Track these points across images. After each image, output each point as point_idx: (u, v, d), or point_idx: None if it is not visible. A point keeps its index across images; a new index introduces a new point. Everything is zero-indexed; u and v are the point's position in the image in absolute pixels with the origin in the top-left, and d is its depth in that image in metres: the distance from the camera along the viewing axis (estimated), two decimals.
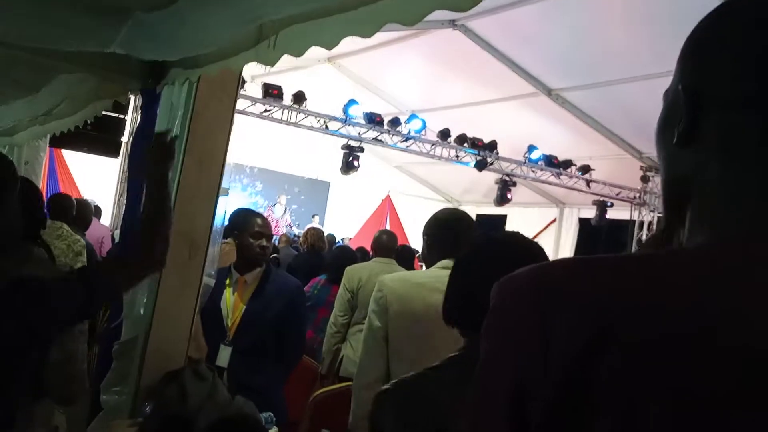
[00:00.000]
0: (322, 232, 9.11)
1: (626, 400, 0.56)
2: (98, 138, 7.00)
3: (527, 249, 1.62)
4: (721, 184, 0.67)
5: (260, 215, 3.40)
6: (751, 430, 0.54)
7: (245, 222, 3.21)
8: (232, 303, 3.12)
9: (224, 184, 2.54)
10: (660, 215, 10.88)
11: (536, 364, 0.60)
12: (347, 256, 5.73)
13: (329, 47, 1.68)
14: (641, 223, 11.17)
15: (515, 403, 0.60)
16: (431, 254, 2.59)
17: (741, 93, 0.66)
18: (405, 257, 5.89)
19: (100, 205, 9.33)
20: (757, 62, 0.65)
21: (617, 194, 11.30)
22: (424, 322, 2.36)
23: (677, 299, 0.59)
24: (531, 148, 10.55)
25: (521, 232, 1.78)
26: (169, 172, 2.09)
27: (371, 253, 5.29)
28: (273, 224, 14.39)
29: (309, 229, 8.79)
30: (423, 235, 2.65)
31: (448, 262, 2.40)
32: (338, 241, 13.22)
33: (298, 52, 1.79)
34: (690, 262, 0.64)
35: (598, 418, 0.57)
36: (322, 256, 7.69)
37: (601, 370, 0.57)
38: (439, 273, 2.41)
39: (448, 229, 2.57)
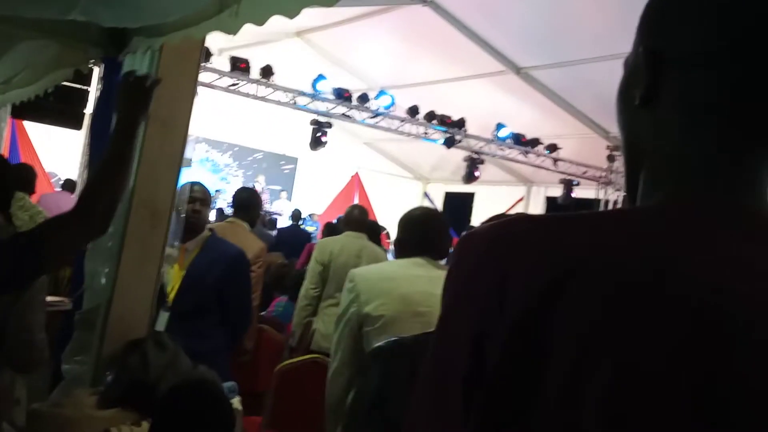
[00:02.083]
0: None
1: (577, 347, 0.58)
2: (61, 109, 6.87)
3: None
4: (679, 145, 0.69)
5: (198, 183, 3.45)
6: (691, 381, 0.56)
7: (181, 190, 3.26)
8: (172, 270, 3.13)
9: (188, 155, 2.54)
10: (626, 195, 11.03)
11: (493, 309, 0.61)
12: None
13: (291, 16, 1.68)
14: (606, 202, 11.31)
15: (473, 345, 0.62)
16: (401, 250, 2.65)
17: (701, 51, 0.67)
18: (372, 232, 5.91)
19: (73, 179, 9.10)
20: (718, 19, 0.66)
21: (583, 173, 11.42)
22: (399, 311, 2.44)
23: (627, 253, 0.61)
24: (499, 126, 10.58)
25: (489, 210, 1.81)
26: (140, 122, 1.95)
27: (342, 226, 5.30)
28: None
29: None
30: (397, 230, 2.73)
31: (419, 260, 2.53)
32: (305, 218, 13.18)
33: (261, 21, 1.79)
34: (642, 220, 0.66)
35: (550, 363, 0.58)
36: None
37: (554, 319, 0.59)
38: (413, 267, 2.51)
39: (419, 229, 2.62)
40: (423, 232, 2.60)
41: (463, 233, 0.70)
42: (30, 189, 4.87)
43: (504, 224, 0.67)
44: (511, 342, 0.60)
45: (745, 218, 0.65)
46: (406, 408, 0.68)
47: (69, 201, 7.57)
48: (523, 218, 0.69)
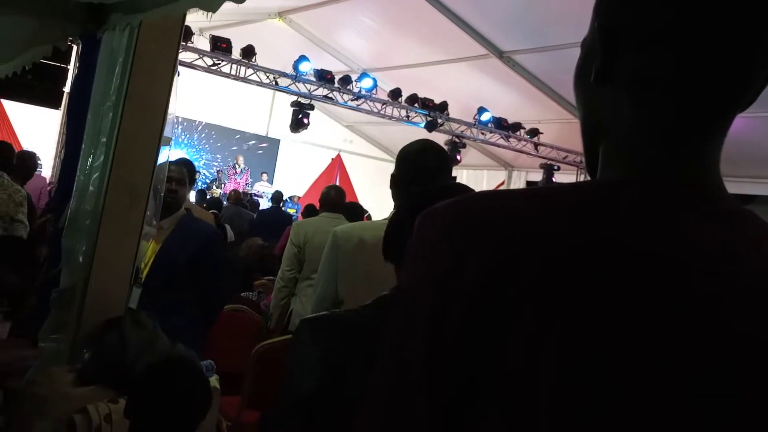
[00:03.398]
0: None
1: (536, 313, 0.60)
2: (39, 87, 6.81)
3: None
4: (633, 121, 0.70)
5: (175, 163, 3.44)
6: (641, 332, 0.60)
7: (160, 169, 3.26)
8: (149, 245, 3.13)
9: (167, 134, 2.52)
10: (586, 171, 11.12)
11: (452, 285, 0.63)
12: None
13: None
14: None
15: (433, 322, 0.63)
16: (395, 188, 2.30)
17: (654, 27, 0.68)
18: (354, 214, 5.91)
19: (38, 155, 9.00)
20: None
21: (564, 158, 11.48)
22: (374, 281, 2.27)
23: (579, 227, 0.63)
24: (481, 110, 10.60)
25: None
26: None
27: (319, 208, 5.30)
28: (232, 183, 14.26)
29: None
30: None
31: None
32: (286, 200, 13.16)
33: None
34: (595, 194, 0.68)
35: (509, 335, 0.60)
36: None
37: (512, 287, 0.61)
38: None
39: (411, 165, 2.27)
40: (416, 168, 2.26)
41: (422, 211, 0.70)
42: (7, 167, 4.82)
43: (462, 201, 0.69)
44: (470, 316, 0.62)
45: (693, 194, 0.68)
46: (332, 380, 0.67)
47: (36, 177, 7.45)
48: (481, 195, 0.70)
